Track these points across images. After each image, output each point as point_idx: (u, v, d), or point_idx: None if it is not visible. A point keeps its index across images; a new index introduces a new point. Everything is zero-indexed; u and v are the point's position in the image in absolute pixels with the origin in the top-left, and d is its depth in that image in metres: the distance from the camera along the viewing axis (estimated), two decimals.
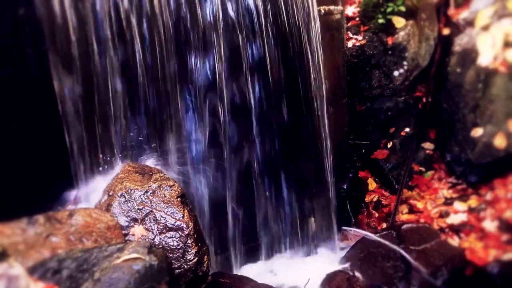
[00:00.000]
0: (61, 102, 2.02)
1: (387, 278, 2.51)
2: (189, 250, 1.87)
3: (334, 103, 3.06)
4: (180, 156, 2.39)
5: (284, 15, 2.53)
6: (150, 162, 2.29)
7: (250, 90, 2.51)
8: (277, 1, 2.49)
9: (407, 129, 3.42)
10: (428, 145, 3.42)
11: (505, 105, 2.98)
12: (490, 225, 2.81)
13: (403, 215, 3.11)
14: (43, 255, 1.59)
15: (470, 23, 3.26)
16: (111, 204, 1.94)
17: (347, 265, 2.63)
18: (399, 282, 2.49)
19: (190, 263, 1.86)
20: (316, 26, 2.70)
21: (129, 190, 1.98)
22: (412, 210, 3.14)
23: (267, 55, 2.50)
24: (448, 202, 3.10)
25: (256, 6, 2.41)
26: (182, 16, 2.25)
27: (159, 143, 2.33)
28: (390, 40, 3.36)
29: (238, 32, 2.40)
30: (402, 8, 3.30)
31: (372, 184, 3.36)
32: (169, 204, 1.96)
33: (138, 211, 1.93)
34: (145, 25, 2.16)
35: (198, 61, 2.34)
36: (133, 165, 2.17)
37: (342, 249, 2.90)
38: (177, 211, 1.95)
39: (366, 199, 3.30)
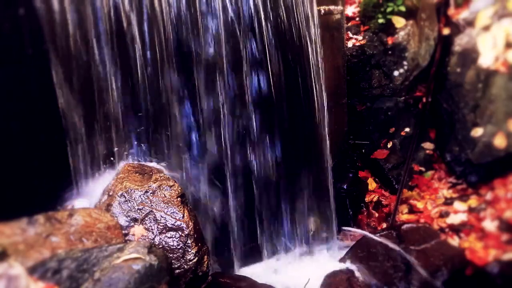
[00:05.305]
0: (61, 102, 2.01)
1: (387, 278, 2.51)
2: (189, 250, 1.87)
3: (334, 103, 3.06)
4: (180, 156, 2.39)
5: (284, 15, 2.53)
6: (150, 162, 2.28)
7: (250, 90, 2.51)
8: (277, 1, 2.49)
9: (407, 129, 3.42)
10: (428, 145, 3.42)
11: (505, 105, 2.99)
12: (490, 225, 2.81)
13: (403, 215, 3.11)
14: (43, 255, 1.59)
15: (470, 23, 3.26)
16: (111, 204, 1.94)
17: (347, 265, 2.63)
18: (399, 282, 2.49)
19: (190, 263, 1.86)
20: (316, 26, 2.70)
21: (129, 190, 1.98)
22: (412, 210, 3.14)
23: (267, 55, 2.50)
24: (448, 202, 3.10)
25: (256, 6, 2.41)
26: (182, 16, 2.25)
27: (160, 143, 2.33)
28: (390, 40, 3.36)
29: (238, 32, 2.40)
30: (402, 8, 3.30)
31: (372, 184, 3.36)
32: (169, 204, 1.96)
33: (138, 211, 1.93)
34: (145, 25, 2.16)
35: (198, 61, 2.34)
36: (133, 165, 2.17)
37: (342, 249, 2.90)
38: (177, 211, 1.95)
39: (366, 199, 3.30)
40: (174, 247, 1.87)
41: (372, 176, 3.40)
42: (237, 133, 2.53)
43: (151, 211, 1.93)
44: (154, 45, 2.19)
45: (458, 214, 2.97)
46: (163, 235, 1.89)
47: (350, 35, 3.44)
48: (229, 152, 2.52)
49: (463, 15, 3.35)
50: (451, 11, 3.46)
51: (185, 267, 1.85)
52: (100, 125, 2.14)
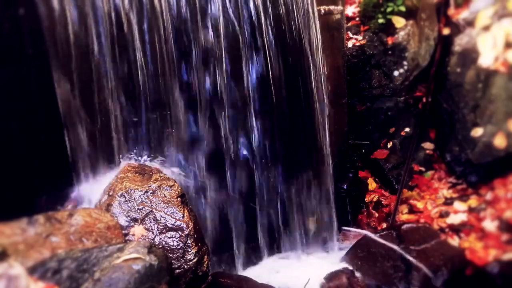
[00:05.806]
0: (61, 101, 2.02)
1: (387, 278, 2.51)
2: (189, 250, 1.87)
3: (334, 103, 3.06)
4: (180, 156, 2.39)
5: (284, 15, 2.53)
6: (150, 162, 2.28)
7: (250, 90, 2.51)
8: (277, 1, 2.49)
9: (407, 129, 3.42)
10: (428, 145, 3.42)
11: (505, 105, 2.98)
12: (490, 225, 2.81)
13: (403, 215, 3.11)
14: (43, 255, 1.59)
15: (470, 23, 3.26)
16: (111, 204, 1.94)
17: (347, 265, 2.63)
18: (399, 282, 2.49)
19: (190, 263, 1.86)
20: (316, 26, 2.70)
21: (129, 190, 1.98)
22: (412, 210, 3.14)
23: (268, 55, 2.50)
24: (448, 202, 3.10)
25: (256, 7, 2.41)
26: (182, 15, 2.25)
27: (160, 143, 2.33)
28: (390, 40, 3.36)
29: (238, 32, 2.40)
30: (402, 8, 3.30)
31: (372, 184, 3.36)
32: (169, 204, 1.96)
33: (138, 211, 1.93)
34: (145, 25, 2.16)
35: (198, 61, 2.34)
36: (133, 165, 2.17)
37: (342, 249, 2.90)
38: (177, 211, 1.95)
39: (366, 199, 3.30)
40: (174, 247, 1.87)
41: (372, 176, 3.40)
42: (237, 135, 2.53)
43: (151, 211, 1.93)
44: (154, 44, 2.19)
45: (458, 214, 2.97)
46: (163, 235, 1.89)
47: (350, 35, 3.44)
48: (229, 153, 2.52)
49: (463, 15, 3.34)
50: (451, 11, 3.46)
51: (185, 267, 1.85)
52: (100, 124, 2.14)
